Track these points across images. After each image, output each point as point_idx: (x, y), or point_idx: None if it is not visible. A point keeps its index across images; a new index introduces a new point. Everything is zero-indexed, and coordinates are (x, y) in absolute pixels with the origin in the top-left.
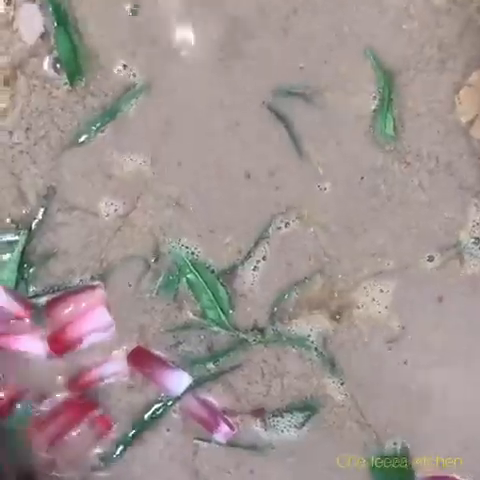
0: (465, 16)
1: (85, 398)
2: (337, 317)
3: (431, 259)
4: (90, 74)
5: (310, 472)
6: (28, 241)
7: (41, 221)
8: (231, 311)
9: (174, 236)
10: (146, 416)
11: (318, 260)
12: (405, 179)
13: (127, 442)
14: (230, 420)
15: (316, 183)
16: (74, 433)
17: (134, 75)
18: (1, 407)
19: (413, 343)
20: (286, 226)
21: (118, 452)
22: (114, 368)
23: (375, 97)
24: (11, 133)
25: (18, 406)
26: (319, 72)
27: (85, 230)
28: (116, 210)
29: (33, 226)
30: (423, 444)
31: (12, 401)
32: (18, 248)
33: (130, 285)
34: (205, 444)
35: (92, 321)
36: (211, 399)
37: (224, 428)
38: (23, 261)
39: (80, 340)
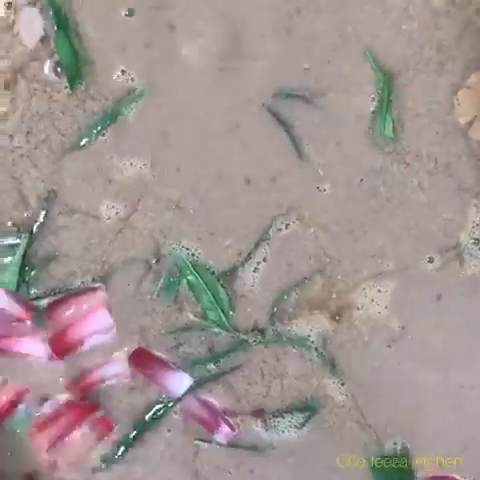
0: (464, 18)
1: (86, 400)
2: (337, 318)
3: (431, 260)
4: (90, 78)
5: (310, 472)
6: (29, 244)
7: (42, 224)
8: (231, 312)
9: (174, 238)
10: (147, 417)
11: (318, 261)
12: (404, 180)
13: (128, 443)
14: (231, 421)
15: (316, 184)
16: (75, 435)
17: (132, 80)
18: (2, 409)
19: (413, 343)
20: (286, 227)
21: (119, 453)
22: (115, 370)
23: (374, 98)
24: (12, 137)
25: (19, 408)
26: (323, 73)
27: (86, 233)
28: (117, 213)
29: (34, 229)
30: (423, 444)
31: (13, 403)
32: (19, 251)
33: (131, 287)
34: (206, 445)
35: (93, 323)
36: (212, 400)
37: (225, 429)
38: (24, 264)
39: (81, 342)
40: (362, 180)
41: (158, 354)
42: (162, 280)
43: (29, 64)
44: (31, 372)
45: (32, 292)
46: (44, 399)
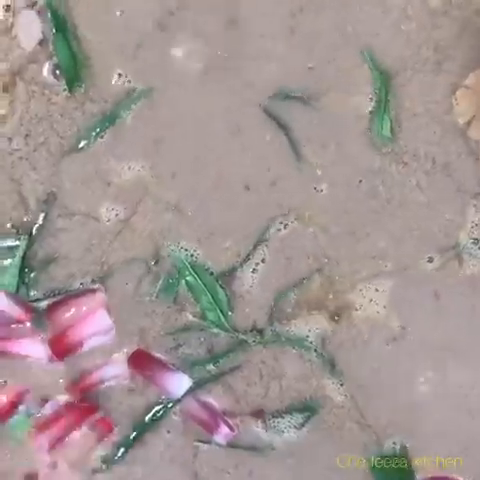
0: (462, 18)
1: (86, 401)
2: (336, 318)
3: (431, 260)
4: (89, 80)
5: (310, 473)
6: (29, 246)
7: (42, 226)
8: (230, 313)
9: (173, 240)
10: (147, 418)
11: (317, 261)
12: (403, 180)
13: (128, 444)
14: (230, 421)
15: (315, 185)
16: (75, 436)
17: (129, 82)
18: (2, 410)
19: (413, 343)
20: (285, 227)
21: (119, 454)
22: (115, 371)
23: (372, 98)
24: (10, 139)
25: (19, 409)
26: (322, 73)
27: (86, 235)
28: (117, 215)
29: (34, 231)
30: (423, 444)
31: (13, 404)
32: (19, 253)
33: (130, 288)
34: (205, 446)
35: (93, 324)
36: (211, 401)
37: (224, 429)
38: (24, 266)
39: (81, 343)
40: (361, 181)
41: (157, 355)
42: (161, 281)
43: (27, 67)
44: (31, 373)
45: (32, 294)
46: (44, 400)
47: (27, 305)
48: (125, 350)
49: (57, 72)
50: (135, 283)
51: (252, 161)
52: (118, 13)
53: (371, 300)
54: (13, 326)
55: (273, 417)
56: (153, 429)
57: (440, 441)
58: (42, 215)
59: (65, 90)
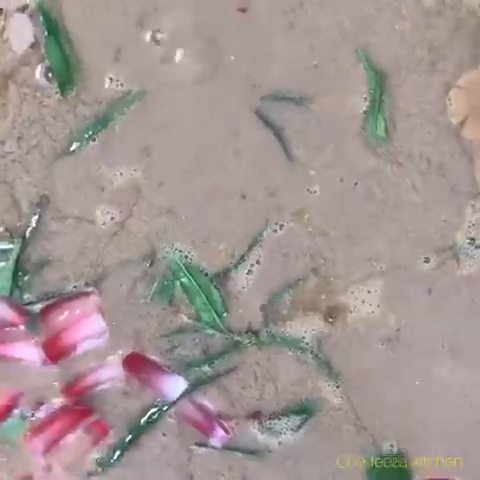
0: (455, 18)
1: (81, 404)
2: (330, 320)
3: (427, 260)
4: (81, 83)
5: (307, 475)
6: (22, 249)
7: (35, 229)
8: (225, 313)
9: (168, 241)
10: (142, 421)
11: (312, 262)
12: (398, 181)
13: (123, 447)
14: (225, 424)
15: (310, 187)
16: (70, 438)
17: (122, 85)
18: None
19: (408, 344)
20: (281, 228)
21: (115, 457)
22: (110, 374)
23: (366, 98)
24: (3, 143)
25: (14, 412)
26: (319, 73)
27: (80, 237)
28: (113, 218)
29: (27, 234)
30: (421, 445)
31: (8, 407)
32: (12, 256)
33: (125, 290)
34: (200, 448)
35: (86, 327)
36: (206, 403)
37: (219, 432)
38: (17, 269)
39: (74, 346)
40: (356, 184)
41: (152, 357)
42: (156, 283)
43: (19, 69)
44: (25, 376)
45: (25, 297)
46: (39, 403)
47: (21, 308)
48: (120, 352)
49: (49, 75)
50: (130, 285)
51: (247, 165)
52: (110, 16)
53: (366, 301)
54: (7, 329)
55: (270, 419)
56: (148, 432)
57: (439, 442)
58: (35, 218)
59: (57, 93)
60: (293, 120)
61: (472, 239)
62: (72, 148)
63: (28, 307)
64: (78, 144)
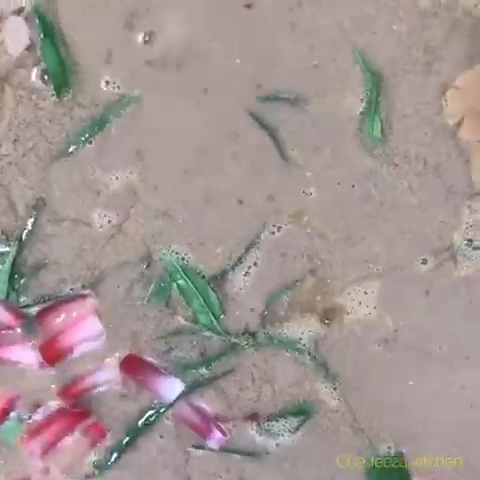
0: (451, 19)
1: (78, 406)
2: (327, 321)
3: (424, 262)
4: (77, 86)
5: (305, 477)
6: (19, 252)
7: (31, 232)
8: (222, 315)
9: (165, 243)
10: (139, 423)
11: (310, 264)
12: (394, 182)
13: (121, 449)
14: (223, 426)
15: (306, 189)
16: (68, 441)
17: (118, 87)
18: None
19: (406, 345)
20: (278, 230)
21: (112, 459)
22: (107, 376)
23: (362, 99)
24: None
25: (11, 415)
26: (315, 75)
27: (77, 240)
28: (110, 221)
29: (23, 237)
30: (420, 445)
31: (5, 410)
32: (9, 259)
33: (122, 292)
34: (198, 450)
35: (83, 330)
36: (203, 405)
37: (217, 434)
38: (14, 272)
39: (71, 349)
40: (354, 186)
41: (149, 359)
42: (153, 285)
43: (15, 72)
44: (22, 379)
45: (22, 300)
46: (36, 406)
47: (17, 311)
48: (117, 355)
49: (45, 77)
50: (127, 287)
51: (244, 167)
52: (106, 18)
53: (362, 302)
54: (3, 332)
55: (267, 421)
56: (146, 434)
57: (438, 442)
58: (31, 221)
59: (53, 95)
60: (288, 121)
61: (469, 240)
62: (69, 150)
63: (25, 310)
64: (74, 147)
